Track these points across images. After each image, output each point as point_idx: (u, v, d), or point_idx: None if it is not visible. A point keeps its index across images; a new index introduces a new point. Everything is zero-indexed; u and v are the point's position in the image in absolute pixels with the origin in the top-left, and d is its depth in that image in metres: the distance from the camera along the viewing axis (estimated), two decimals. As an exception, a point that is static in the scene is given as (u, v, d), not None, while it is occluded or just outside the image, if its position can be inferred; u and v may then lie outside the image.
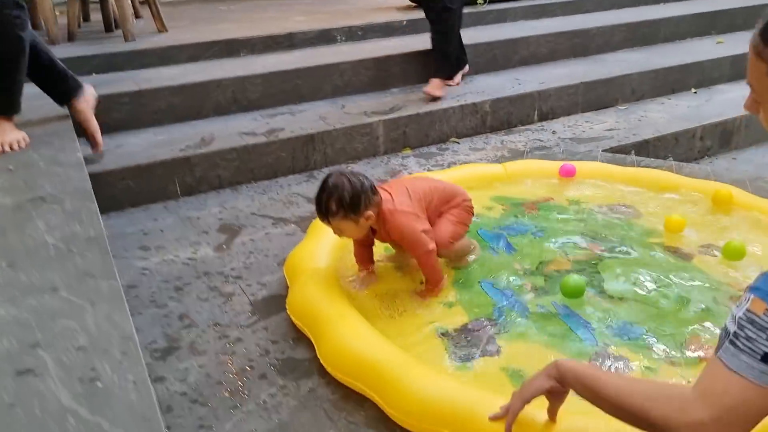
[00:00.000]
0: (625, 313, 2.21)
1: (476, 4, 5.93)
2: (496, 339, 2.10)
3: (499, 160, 3.78)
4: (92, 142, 3.38)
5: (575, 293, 2.24)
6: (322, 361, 2.00)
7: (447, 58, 4.47)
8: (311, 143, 3.76)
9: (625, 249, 2.62)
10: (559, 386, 1.50)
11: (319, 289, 2.24)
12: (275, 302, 2.43)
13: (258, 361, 2.10)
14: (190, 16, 6.18)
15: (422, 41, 5.14)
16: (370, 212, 2.20)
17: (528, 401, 1.54)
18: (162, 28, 5.12)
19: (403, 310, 2.27)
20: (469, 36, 5.28)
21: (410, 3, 5.98)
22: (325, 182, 2.21)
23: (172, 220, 3.19)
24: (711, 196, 2.94)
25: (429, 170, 3.68)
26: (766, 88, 1.22)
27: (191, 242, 2.94)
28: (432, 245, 2.25)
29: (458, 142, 4.17)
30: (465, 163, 3.78)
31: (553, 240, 2.71)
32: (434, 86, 4.25)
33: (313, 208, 3.28)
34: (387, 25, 5.39)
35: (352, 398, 1.91)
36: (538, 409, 1.59)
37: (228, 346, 2.18)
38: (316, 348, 2.06)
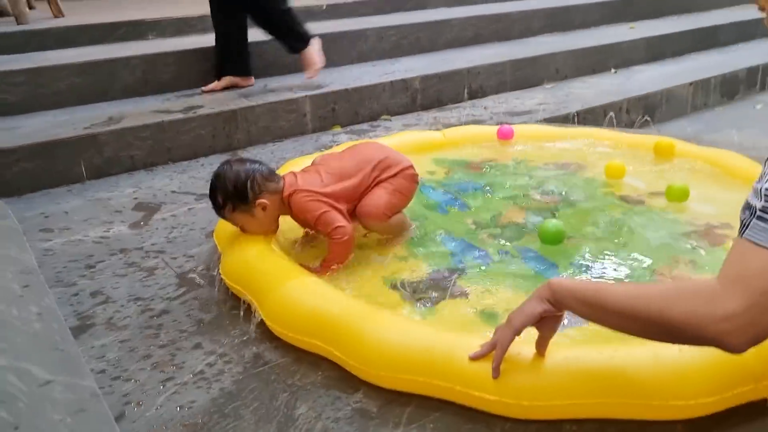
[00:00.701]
0: (590, 252, 2.07)
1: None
2: (457, 283, 1.90)
3: (434, 133, 3.62)
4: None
5: (555, 238, 2.09)
6: (267, 323, 1.73)
7: (296, 26, 3.96)
8: (233, 120, 3.47)
9: (577, 198, 2.50)
10: (553, 310, 1.32)
11: (257, 248, 1.97)
12: (205, 273, 2.13)
13: (191, 331, 1.80)
14: (90, 4, 5.73)
15: (343, 24, 4.98)
16: (263, 200, 1.97)
17: (519, 332, 1.34)
18: (58, 13, 4.68)
19: (350, 263, 2.03)
20: (391, 19, 5.17)
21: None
22: (213, 175, 2.02)
23: (79, 202, 2.81)
24: (653, 147, 2.88)
25: (362, 145, 3.47)
26: None
27: (102, 221, 2.59)
28: (340, 222, 1.98)
29: (390, 119, 3.98)
30: (398, 138, 3.59)
31: (505, 194, 2.56)
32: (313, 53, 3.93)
33: (240, 185, 3.05)
34: (307, 9, 5.16)
35: (305, 360, 1.65)
36: (525, 344, 1.39)
37: (153, 319, 1.87)
38: (259, 310, 1.78)
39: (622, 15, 6.40)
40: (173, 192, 2.90)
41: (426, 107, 4.22)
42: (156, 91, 3.82)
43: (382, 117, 4.00)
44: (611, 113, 4.19)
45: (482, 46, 5.19)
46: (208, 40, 4.29)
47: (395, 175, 2.16)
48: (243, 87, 3.91)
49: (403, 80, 4.09)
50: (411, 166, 2.21)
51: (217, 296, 1.98)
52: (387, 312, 1.62)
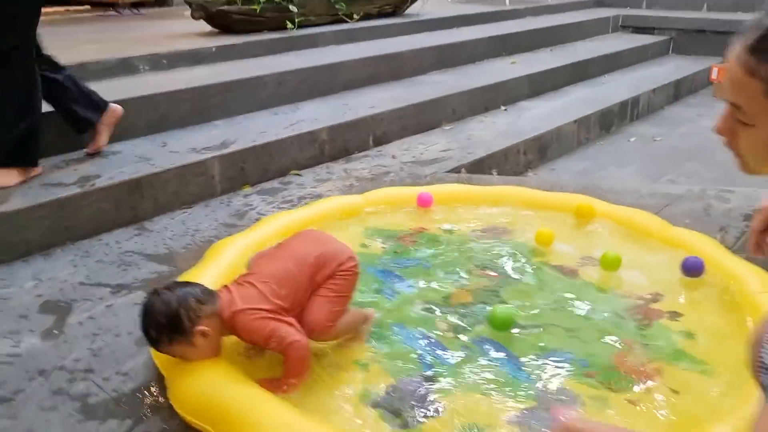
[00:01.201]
0: (545, 340, 2.12)
1: (286, 28, 5.69)
2: (433, 394, 1.87)
3: (350, 189, 3.57)
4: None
5: (505, 324, 2.11)
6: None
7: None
8: (138, 190, 3.20)
9: (515, 274, 2.56)
10: None
11: (211, 369, 1.81)
12: (149, 395, 1.94)
13: (152, 483, 1.62)
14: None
15: (238, 68, 4.80)
16: (202, 327, 1.83)
17: None
18: None
19: (314, 378, 1.93)
20: (287, 62, 5.05)
21: (213, 29, 5.59)
22: (142, 306, 1.88)
23: (-31, 305, 2.46)
24: (573, 210, 3.02)
25: (279, 208, 3.34)
26: (763, 109, 1.13)
27: (6, 331, 2.28)
28: (294, 336, 1.85)
29: (300, 174, 3.87)
30: (313, 196, 3.50)
31: (445, 270, 2.56)
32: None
33: (159, 267, 2.81)
34: (194, 52, 4.92)
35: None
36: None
37: (103, 468, 1.66)
38: (230, 450, 1.64)
39: (502, 48, 6.69)
40: (82, 284, 2.61)
41: (334, 157, 4.15)
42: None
43: (291, 172, 3.88)
44: (494, 170, 4.33)
45: (379, 87, 5.20)
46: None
47: (332, 275, 2.02)
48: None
49: (311, 132, 3.99)
50: (349, 258, 2.06)
51: (171, 430, 1.80)
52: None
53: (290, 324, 1.89)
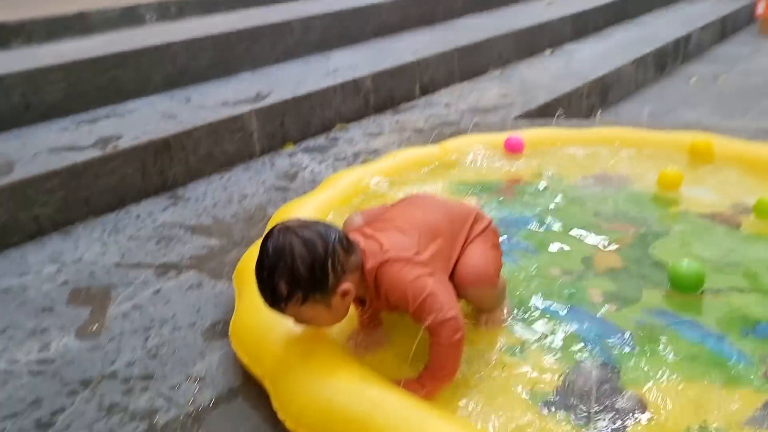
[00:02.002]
0: (740, 306, 1.63)
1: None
2: (624, 390, 1.37)
3: (410, 142, 3.05)
4: None
5: (696, 284, 1.64)
6: None
7: None
8: (166, 151, 2.66)
9: (658, 226, 2.06)
10: None
11: (344, 376, 1.30)
12: (237, 407, 1.44)
13: None
14: None
15: (259, 15, 4.23)
16: (347, 285, 1.33)
17: None
18: None
19: (458, 377, 1.42)
20: (313, 7, 4.47)
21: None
22: (263, 249, 1.31)
23: (-23, 299, 1.93)
24: (688, 148, 2.51)
25: (334, 167, 2.82)
26: None
27: (30, 331, 1.76)
28: (455, 310, 1.35)
29: (347, 128, 3.34)
30: (369, 152, 2.98)
31: (565, 227, 2.06)
32: None
33: (208, 241, 2.29)
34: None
35: None
36: None
37: None
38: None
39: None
40: (117, 265, 2.09)
41: (379, 109, 3.61)
42: (43, 117, 2.89)
43: (337, 126, 3.34)
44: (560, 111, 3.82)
45: (412, 33, 4.65)
46: (94, 44, 3.40)
47: (485, 229, 1.58)
48: None
49: (354, 81, 3.45)
50: (492, 219, 1.65)
51: (282, 454, 1.30)
52: None
53: (451, 293, 1.38)
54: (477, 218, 1.58)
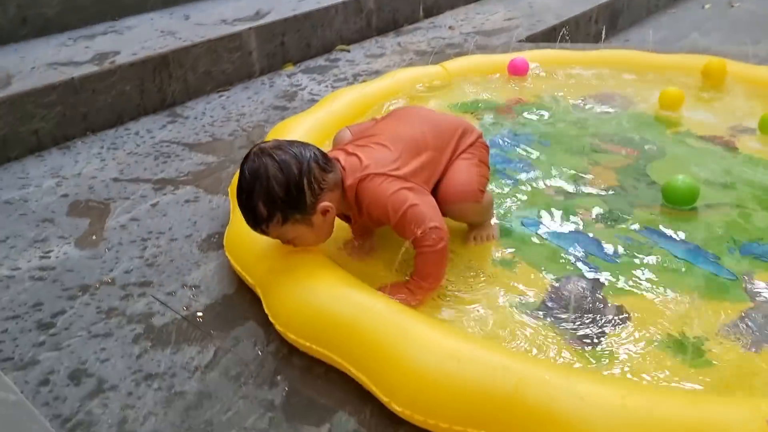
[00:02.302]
0: (728, 225, 1.65)
1: None
2: (607, 301, 1.41)
3: (410, 64, 3.00)
4: None
5: (689, 197, 1.67)
6: (397, 410, 1.15)
7: None
8: (164, 68, 2.64)
9: (654, 146, 2.05)
10: None
11: (330, 282, 1.34)
12: (230, 312, 1.48)
13: (263, 430, 1.18)
14: None
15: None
16: (326, 203, 1.35)
17: None
18: None
19: (447, 287, 1.46)
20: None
21: None
22: (241, 173, 1.33)
23: (-20, 209, 1.97)
24: (701, 70, 2.46)
25: (333, 87, 2.79)
26: None
27: (31, 241, 1.80)
28: (437, 220, 1.37)
29: (348, 50, 3.28)
30: (370, 73, 2.94)
31: (565, 147, 2.05)
32: None
33: (206, 158, 2.29)
34: None
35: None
36: None
37: (190, 413, 1.22)
38: (370, 385, 1.19)
39: None
40: (116, 180, 2.12)
41: (382, 30, 3.54)
42: (40, 32, 2.85)
43: (338, 47, 3.29)
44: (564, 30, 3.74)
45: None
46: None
47: (473, 144, 1.59)
48: None
49: (356, 1, 3.36)
50: (482, 134, 1.65)
51: (272, 353, 1.35)
52: (600, 382, 1.09)
53: (433, 205, 1.40)
54: (465, 132, 1.58)
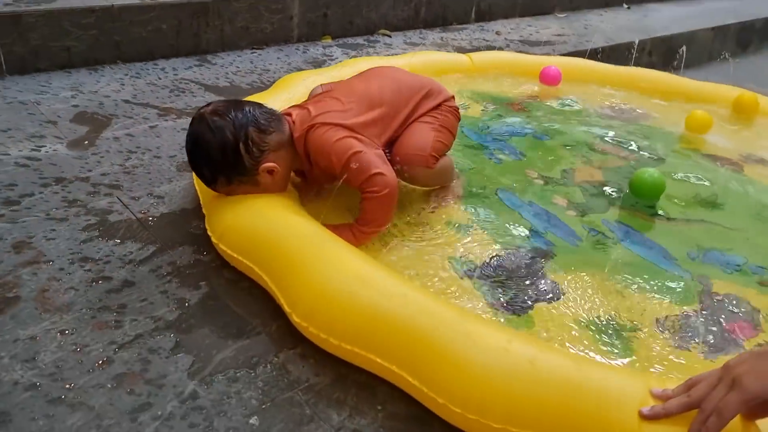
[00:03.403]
0: (699, 236, 1.58)
1: None
2: (548, 275, 1.37)
3: (446, 56, 3.01)
4: None
5: (654, 189, 1.62)
6: (295, 320, 1.15)
7: None
8: (203, 15, 2.73)
9: (655, 155, 2.00)
10: None
11: (269, 202, 1.36)
12: (182, 222, 1.52)
13: (169, 321, 1.20)
14: None
15: None
16: (269, 164, 1.37)
17: (748, 404, 0.84)
18: None
19: (395, 235, 1.46)
20: None
21: None
22: (186, 138, 1.40)
23: (-4, 104, 2.07)
24: (732, 102, 2.39)
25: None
26: None
27: (29, 135, 1.88)
28: (380, 167, 1.38)
29: (389, 35, 3.32)
30: (404, 58, 2.96)
31: (564, 142, 2.02)
32: None
33: (216, 98, 2.35)
34: None
35: (354, 381, 1.10)
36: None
37: (111, 295, 1.26)
38: (280, 298, 1.20)
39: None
40: (126, 102, 2.20)
41: (429, 24, 3.56)
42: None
43: (380, 31, 3.33)
44: (633, 50, 3.69)
45: (487, -39, 4.50)
46: None
47: (437, 107, 1.59)
48: None
49: (408, -12, 3.40)
50: (452, 97, 1.65)
51: (205, 263, 1.38)
52: (487, 325, 1.07)
53: (379, 155, 1.41)
54: (430, 93, 1.58)
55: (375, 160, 1.38)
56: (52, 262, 1.33)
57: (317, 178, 1.54)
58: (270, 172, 1.38)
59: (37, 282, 1.27)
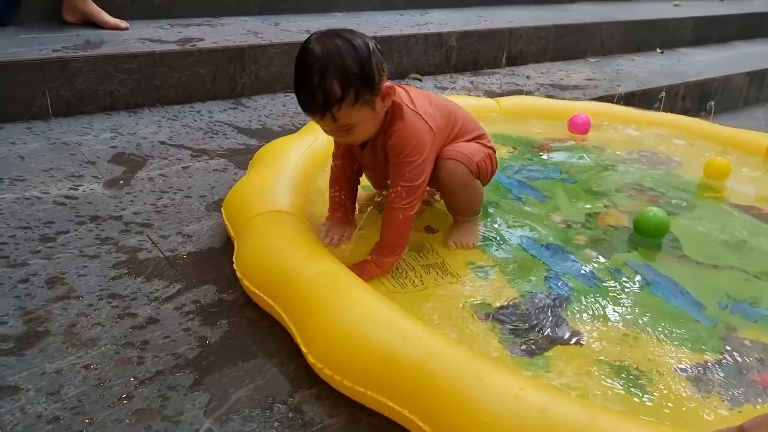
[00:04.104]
0: (726, 282, 1.56)
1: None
2: (566, 320, 1.36)
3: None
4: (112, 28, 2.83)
5: (657, 230, 1.66)
6: (311, 361, 1.17)
7: None
8: (239, 60, 2.83)
9: (683, 203, 1.98)
10: None
11: (294, 241, 1.39)
12: (209, 262, 1.56)
13: (189, 358, 1.23)
14: None
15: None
16: (388, 83, 1.37)
17: None
18: None
19: (413, 279, 1.47)
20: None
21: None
22: (307, 56, 1.30)
23: (40, 144, 2.17)
24: (763, 151, 2.36)
25: (392, 106, 2.88)
26: None
27: (68, 174, 1.97)
28: (422, 188, 1.43)
29: (420, 79, 3.39)
30: (434, 101, 3.01)
31: (589, 187, 2.02)
32: None
33: (248, 140, 2.44)
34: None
35: (366, 424, 1.10)
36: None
37: (135, 332, 1.29)
38: (297, 338, 1.22)
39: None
40: (162, 143, 2.28)
41: (460, 69, 3.63)
42: (146, 15, 3.15)
43: (411, 75, 3.40)
44: (662, 94, 3.67)
45: (520, 8, 4.58)
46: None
47: (475, 139, 1.63)
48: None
49: (439, 34, 3.48)
50: (490, 139, 1.69)
51: (228, 302, 1.41)
52: (500, 370, 1.06)
53: (429, 172, 1.48)
54: (478, 130, 1.68)
55: (425, 178, 1.44)
56: (82, 297, 1.38)
57: (366, 159, 1.56)
58: (387, 94, 1.37)
59: (67, 317, 1.31)
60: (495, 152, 1.68)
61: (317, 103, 1.30)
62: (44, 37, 2.64)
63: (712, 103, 3.80)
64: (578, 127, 2.51)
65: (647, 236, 1.69)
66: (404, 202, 1.39)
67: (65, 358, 1.20)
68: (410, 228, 1.44)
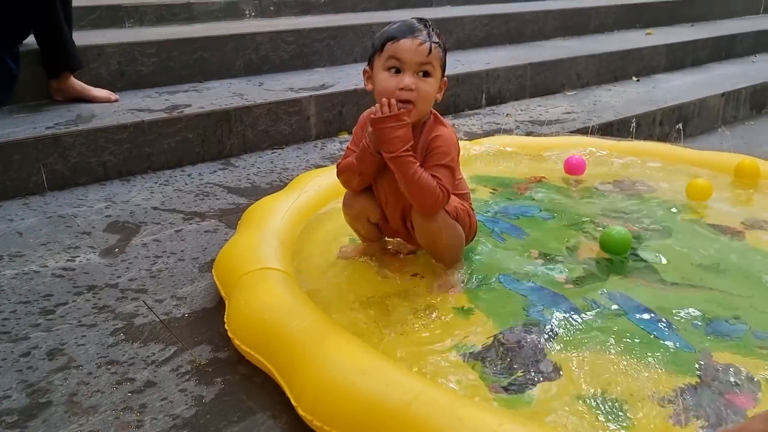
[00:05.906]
0: (703, 303, 1.61)
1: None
2: (546, 354, 1.42)
3: (457, 143, 3.15)
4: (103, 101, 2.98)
5: (620, 247, 1.79)
6: (301, 413, 1.22)
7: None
8: (226, 122, 2.94)
9: (660, 227, 2.05)
10: None
11: (279, 297, 1.45)
12: (203, 322, 1.62)
13: (186, 418, 1.28)
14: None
15: (346, 18, 4.50)
16: (445, 80, 1.68)
17: None
18: None
19: (401, 324, 1.53)
20: (396, 15, 4.67)
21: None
22: (421, 19, 1.64)
23: (37, 219, 2.26)
24: (734, 169, 2.44)
25: (377, 155, 2.97)
26: None
27: (65, 247, 2.05)
28: (449, 194, 1.60)
29: (403, 126, 3.49)
30: (417, 147, 3.10)
31: (569, 221, 2.09)
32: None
33: (238, 199, 2.52)
34: (303, 1, 4.67)
35: (357, 470, 1.15)
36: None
37: (133, 396, 1.35)
38: (287, 392, 1.27)
39: (637, 20, 6.02)
40: (155, 209, 2.36)
41: (441, 113, 3.70)
42: (134, 85, 3.27)
43: (394, 123, 3.50)
44: (632, 125, 3.77)
45: (497, 48, 4.74)
46: (193, 30, 3.79)
47: (462, 197, 1.73)
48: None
49: (418, 82, 3.59)
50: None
51: (222, 360, 1.46)
52: (480, 409, 1.11)
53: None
54: (466, 188, 1.81)
55: (450, 186, 1.60)
56: (82, 366, 1.44)
57: (385, 181, 1.70)
58: (443, 87, 1.65)
59: (68, 387, 1.37)
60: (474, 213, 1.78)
61: (425, 35, 1.57)
62: (37, 115, 2.75)
63: (680, 125, 3.91)
64: (573, 167, 2.58)
65: (612, 253, 1.84)
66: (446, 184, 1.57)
67: (67, 427, 1.25)
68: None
